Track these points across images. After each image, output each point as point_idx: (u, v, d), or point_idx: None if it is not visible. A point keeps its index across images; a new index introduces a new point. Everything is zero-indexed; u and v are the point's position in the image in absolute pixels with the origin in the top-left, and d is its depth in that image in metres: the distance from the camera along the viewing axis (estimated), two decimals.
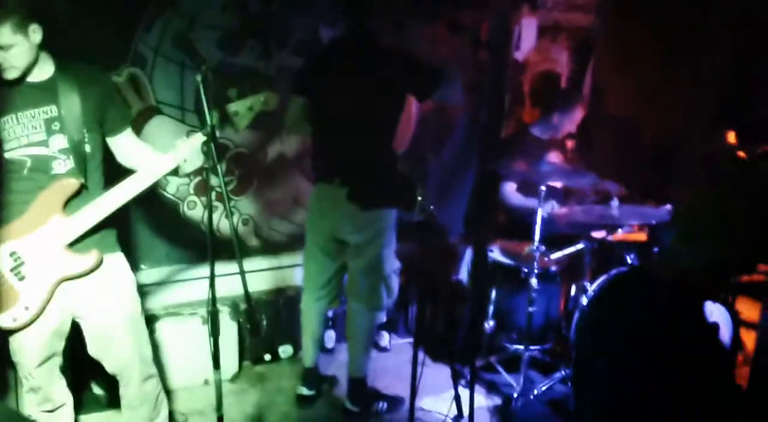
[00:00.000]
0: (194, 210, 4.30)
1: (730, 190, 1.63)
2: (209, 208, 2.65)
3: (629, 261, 4.22)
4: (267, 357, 4.46)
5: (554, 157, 4.72)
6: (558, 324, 4.24)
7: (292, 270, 4.61)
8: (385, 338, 4.75)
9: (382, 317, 3.97)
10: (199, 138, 2.81)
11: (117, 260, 2.97)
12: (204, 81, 2.56)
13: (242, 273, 2.63)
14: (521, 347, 4.08)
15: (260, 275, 4.58)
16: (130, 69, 3.95)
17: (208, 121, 2.60)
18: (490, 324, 4.25)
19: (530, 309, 3.98)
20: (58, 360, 2.99)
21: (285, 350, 4.48)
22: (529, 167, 4.15)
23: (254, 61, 4.31)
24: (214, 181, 2.65)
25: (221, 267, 4.05)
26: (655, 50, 5.40)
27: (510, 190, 4.61)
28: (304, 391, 4.08)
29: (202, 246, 4.24)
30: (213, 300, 2.69)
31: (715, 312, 3.85)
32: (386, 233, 3.73)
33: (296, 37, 4.42)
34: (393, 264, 3.83)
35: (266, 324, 4.44)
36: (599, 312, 1.89)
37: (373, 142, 3.66)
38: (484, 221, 4.43)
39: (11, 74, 2.66)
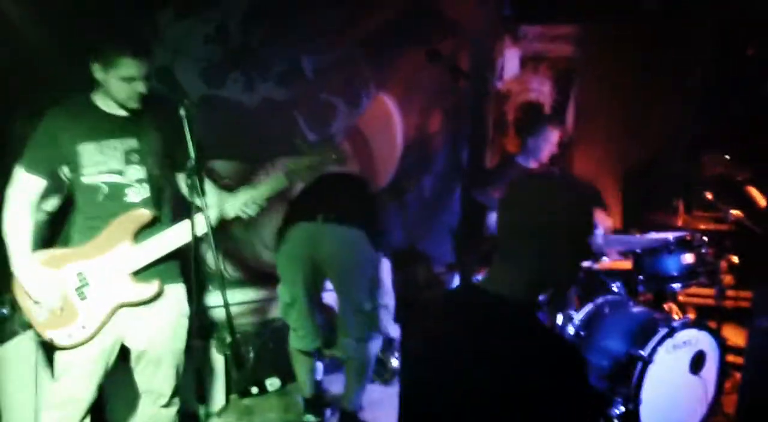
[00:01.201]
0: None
1: (543, 206, 1.73)
2: (194, 241, 2.65)
3: (615, 289, 4.24)
4: (254, 390, 4.41)
5: None
6: None
7: (278, 302, 4.58)
8: None
9: (376, 347, 3.96)
10: (280, 181, 2.96)
11: (177, 291, 3.01)
12: (187, 115, 2.60)
13: (226, 305, 2.62)
14: None
15: (247, 307, 4.55)
16: None
17: (192, 155, 2.62)
18: None
19: None
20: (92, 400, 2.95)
21: (272, 383, 4.44)
22: None
23: (239, 94, 4.32)
24: (198, 213, 2.67)
25: (207, 299, 4.10)
26: (634, 79, 5.48)
27: (494, 217, 4.60)
28: (311, 419, 4.07)
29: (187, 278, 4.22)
30: (197, 333, 2.69)
31: (702, 339, 3.86)
32: (369, 268, 3.77)
33: (279, 68, 4.44)
34: (380, 299, 3.82)
35: (253, 356, 4.40)
36: (423, 329, 1.94)
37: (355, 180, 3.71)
38: (469, 251, 4.43)
39: (134, 105, 2.80)
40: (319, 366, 4.55)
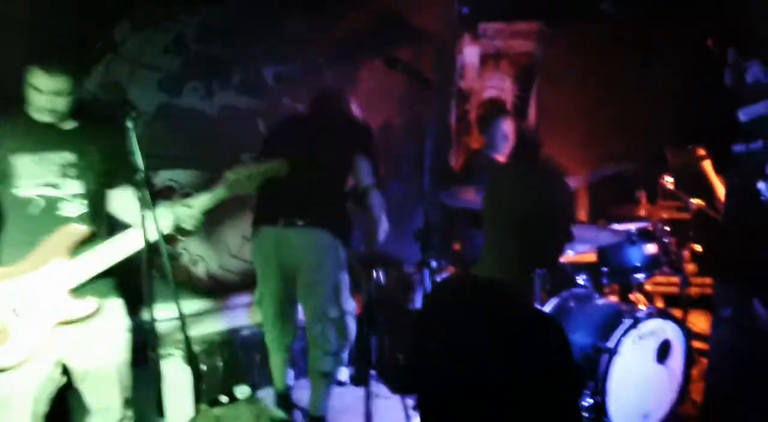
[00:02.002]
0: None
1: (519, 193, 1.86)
2: (146, 253, 2.63)
3: (581, 282, 4.26)
4: (224, 399, 4.38)
5: None
6: None
7: (246, 310, 4.57)
8: (343, 372, 4.70)
9: (343, 358, 3.96)
10: (220, 194, 2.90)
11: (114, 306, 2.95)
12: (135, 127, 2.58)
13: (182, 317, 2.60)
14: None
15: (214, 316, 4.53)
16: None
17: (140, 168, 2.60)
18: None
19: None
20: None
21: (242, 391, 4.42)
22: (478, 195, 4.18)
23: (198, 102, 4.30)
24: (151, 227, 2.65)
25: (166, 311, 4.06)
26: (596, 74, 5.52)
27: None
28: (282, 414, 4.09)
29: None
30: (155, 345, 2.67)
31: (667, 329, 3.89)
32: (333, 273, 3.74)
33: (240, 76, 4.43)
34: (346, 305, 3.80)
35: (222, 365, 4.39)
36: (429, 315, 2.04)
37: (322, 184, 3.69)
38: (435, 248, 4.44)
39: (48, 118, 2.75)
40: (290, 372, 4.55)
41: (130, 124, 2.59)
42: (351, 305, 3.86)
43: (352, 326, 3.87)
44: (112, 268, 2.85)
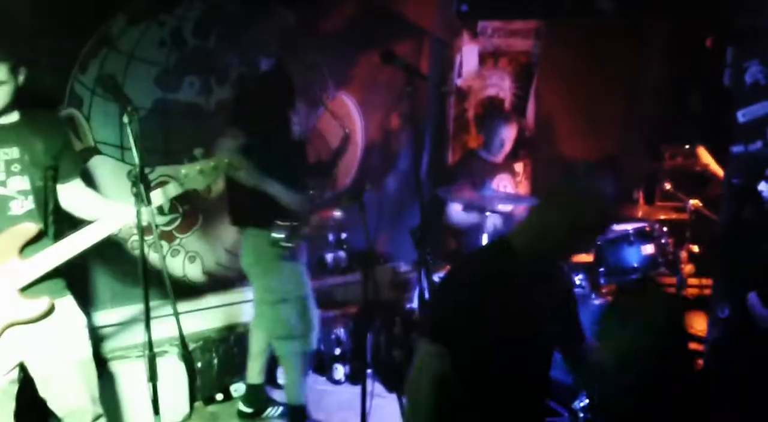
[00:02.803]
0: (138, 249, 4.21)
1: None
2: (141, 249, 2.63)
3: (578, 281, 4.26)
4: (219, 396, 4.38)
5: (504, 179, 4.77)
6: None
7: (242, 307, 4.54)
8: (339, 371, 4.68)
9: (304, 346, 3.88)
10: (173, 190, 2.88)
11: (66, 304, 2.90)
12: (131, 122, 2.56)
13: (176, 314, 2.59)
14: None
15: (210, 313, 4.50)
16: (68, 110, 3.87)
17: (137, 162, 2.58)
18: None
19: None
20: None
21: (237, 388, 4.40)
22: (473, 193, 4.17)
23: (194, 97, 4.27)
24: (145, 220, 2.64)
25: (167, 307, 4.04)
26: (595, 73, 5.52)
27: (455, 209, 4.63)
28: (243, 408, 4.14)
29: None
30: (150, 344, 2.65)
31: None
32: (262, 262, 3.76)
33: (236, 71, 4.40)
34: (286, 292, 3.78)
35: (217, 362, 4.40)
36: (458, 280, 2.23)
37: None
38: (431, 246, 4.44)
39: None
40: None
41: (126, 120, 2.57)
42: (304, 289, 3.84)
43: (295, 312, 3.82)
44: (61, 267, 2.79)
